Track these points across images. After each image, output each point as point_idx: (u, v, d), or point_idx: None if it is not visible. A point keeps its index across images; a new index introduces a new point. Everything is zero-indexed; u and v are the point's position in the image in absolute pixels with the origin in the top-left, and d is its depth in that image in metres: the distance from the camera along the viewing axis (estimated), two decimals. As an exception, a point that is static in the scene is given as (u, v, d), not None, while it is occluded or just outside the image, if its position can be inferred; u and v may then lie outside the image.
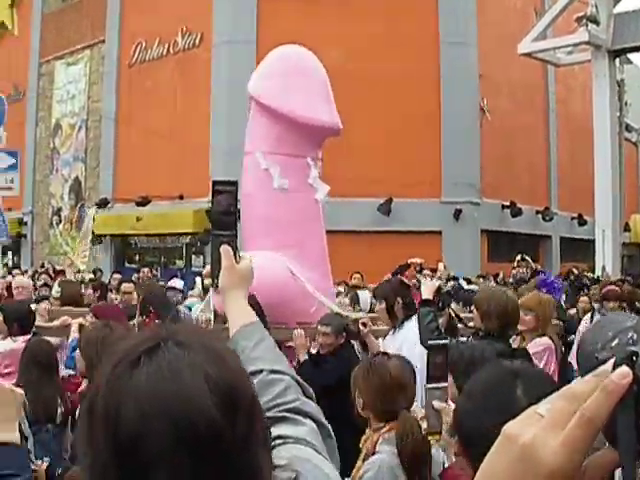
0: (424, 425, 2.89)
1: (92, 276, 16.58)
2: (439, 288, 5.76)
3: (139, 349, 1.17)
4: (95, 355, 4.02)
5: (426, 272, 12.68)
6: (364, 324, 6.14)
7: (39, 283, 11.23)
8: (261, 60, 19.15)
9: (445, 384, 2.97)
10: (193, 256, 20.51)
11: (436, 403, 2.86)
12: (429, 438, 3.08)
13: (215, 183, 2.13)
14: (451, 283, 12.23)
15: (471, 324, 5.78)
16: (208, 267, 16.16)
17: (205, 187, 18.51)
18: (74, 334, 6.17)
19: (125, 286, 9.38)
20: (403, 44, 19.46)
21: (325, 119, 7.23)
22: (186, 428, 1.10)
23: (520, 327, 5.89)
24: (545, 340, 6.20)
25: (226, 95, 19.44)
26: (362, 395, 3.50)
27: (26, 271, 18.78)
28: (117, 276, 14.90)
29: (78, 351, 4.83)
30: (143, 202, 20.80)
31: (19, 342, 6.08)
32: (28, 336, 6.32)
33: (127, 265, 22.69)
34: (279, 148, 7.22)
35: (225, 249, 2.09)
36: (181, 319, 5.84)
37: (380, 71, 19.16)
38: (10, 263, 19.78)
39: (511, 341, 6.11)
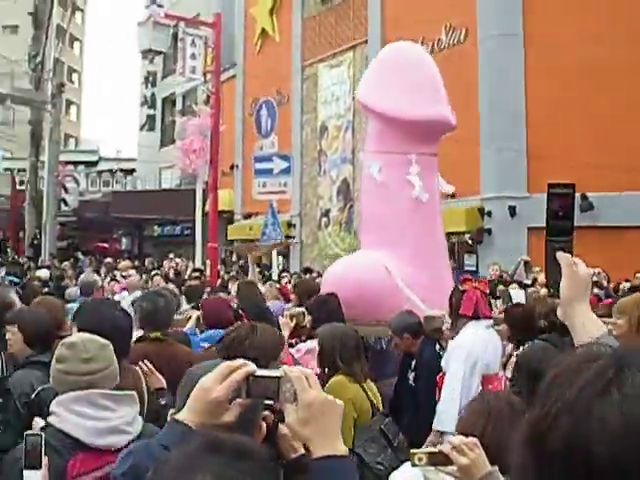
0: None
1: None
2: None
3: (605, 375, 1.13)
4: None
5: None
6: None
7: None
8: (529, 52, 19.27)
9: None
10: (465, 255, 20.73)
11: None
12: None
13: (550, 186, 2.13)
14: None
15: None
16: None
17: (476, 184, 18.71)
18: (191, 323, 6.87)
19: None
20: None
21: (430, 113, 7.40)
22: None
23: (614, 332, 5.21)
24: None
25: (496, 88, 19.76)
26: None
27: (295, 273, 19.87)
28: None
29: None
30: (410, 202, 21.31)
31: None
32: None
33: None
34: (380, 146, 7.63)
35: (564, 256, 2.07)
36: (269, 318, 6.24)
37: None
38: (280, 266, 20.84)
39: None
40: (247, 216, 30.85)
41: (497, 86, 19.81)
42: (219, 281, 15.85)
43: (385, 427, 4.89)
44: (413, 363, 6.18)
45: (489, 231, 20.03)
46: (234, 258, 28.77)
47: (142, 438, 2.96)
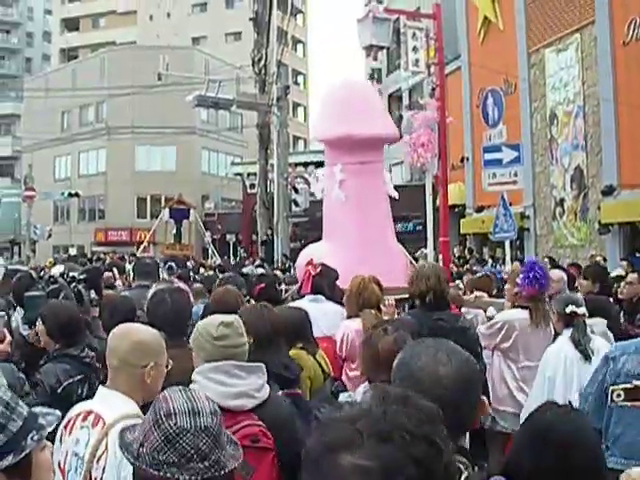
0: None
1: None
2: None
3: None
4: None
5: None
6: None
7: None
8: None
9: None
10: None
11: None
12: None
13: None
14: None
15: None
16: None
17: None
18: None
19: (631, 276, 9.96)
20: None
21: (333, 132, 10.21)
22: None
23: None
24: None
25: None
26: (362, 363, 4.29)
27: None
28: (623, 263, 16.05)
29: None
30: (654, 186, 21.18)
31: None
32: None
33: (638, 255, 23.04)
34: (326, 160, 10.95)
35: None
36: None
37: None
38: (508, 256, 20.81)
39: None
40: (479, 209, 31.33)
41: None
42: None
43: (335, 389, 5.89)
44: None
45: None
46: (466, 252, 29.40)
47: (268, 403, 3.84)
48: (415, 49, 24.74)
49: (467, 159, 33.25)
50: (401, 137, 25.53)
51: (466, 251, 30.08)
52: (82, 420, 3.44)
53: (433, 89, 24.16)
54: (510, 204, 17.53)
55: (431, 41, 26.79)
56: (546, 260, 16.94)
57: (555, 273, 8.89)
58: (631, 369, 4.74)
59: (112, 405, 3.44)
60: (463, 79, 33.78)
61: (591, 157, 25.67)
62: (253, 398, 3.80)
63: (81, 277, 7.76)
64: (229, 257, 39.44)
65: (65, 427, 3.45)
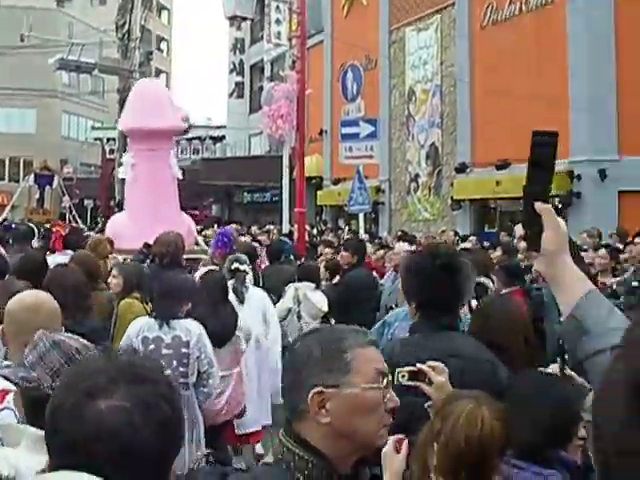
0: None
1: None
2: None
3: None
4: None
5: None
6: None
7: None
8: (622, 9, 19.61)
9: None
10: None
11: None
12: None
13: (534, 134, 2.02)
14: None
15: None
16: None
17: (565, 147, 18.87)
18: None
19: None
20: None
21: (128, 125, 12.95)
22: None
23: None
24: None
25: (586, 49, 19.77)
26: None
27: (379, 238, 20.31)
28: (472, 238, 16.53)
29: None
30: (503, 165, 21.63)
31: None
32: None
33: (487, 230, 23.74)
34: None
35: (545, 208, 1.98)
36: None
37: None
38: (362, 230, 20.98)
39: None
40: (336, 182, 31.49)
41: (589, 48, 19.76)
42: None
43: None
44: None
45: (578, 195, 20.28)
46: (321, 224, 29.51)
47: None
48: (278, 21, 24.57)
49: (326, 132, 33.37)
50: (260, 108, 25.59)
51: (321, 223, 30.25)
52: None
53: (294, 62, 24.10)
54: (366, 177, 17.70)
55: (294, 14, 26.74)
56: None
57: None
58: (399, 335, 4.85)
59: None
60: (325, 53, 33.80)
61: (446, 135, 26.14)
62: None
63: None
64: (86, 222, 38.62)
65: None
